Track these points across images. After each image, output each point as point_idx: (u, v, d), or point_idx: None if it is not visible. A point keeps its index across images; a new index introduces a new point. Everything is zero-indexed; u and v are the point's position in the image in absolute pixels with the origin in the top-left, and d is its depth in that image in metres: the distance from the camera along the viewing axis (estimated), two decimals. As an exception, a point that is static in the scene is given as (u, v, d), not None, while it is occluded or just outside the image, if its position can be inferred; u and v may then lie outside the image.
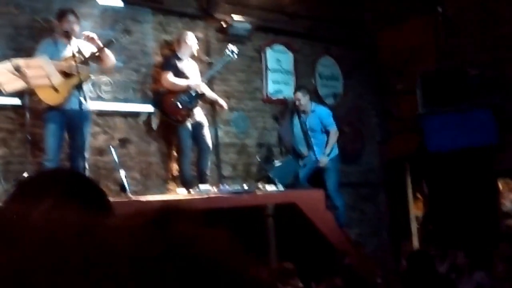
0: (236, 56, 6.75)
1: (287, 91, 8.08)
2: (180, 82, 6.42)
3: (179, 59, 6.54)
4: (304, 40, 8.42)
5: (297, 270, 5.07)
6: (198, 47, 6.75)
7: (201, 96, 6.49)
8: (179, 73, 6.46)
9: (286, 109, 7.85)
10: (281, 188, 6.53)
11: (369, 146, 8.94)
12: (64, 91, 5.34)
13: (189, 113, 6.39)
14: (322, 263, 5.83)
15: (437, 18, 8.42)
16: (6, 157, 5.72)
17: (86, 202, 1.13)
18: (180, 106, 6.35)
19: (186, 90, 6.39)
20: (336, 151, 7.48)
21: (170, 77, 6.43)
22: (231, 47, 6.73)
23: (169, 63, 6.55)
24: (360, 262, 6.24)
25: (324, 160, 7.32)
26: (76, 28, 5.61)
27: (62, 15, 5.60)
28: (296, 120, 7.68)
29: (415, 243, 8.29)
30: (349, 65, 8.86)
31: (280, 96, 8.01)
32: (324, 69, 8.70)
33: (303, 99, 7.45)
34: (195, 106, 6.45)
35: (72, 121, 5.43)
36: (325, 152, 7.35)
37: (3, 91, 5.15)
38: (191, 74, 6.53)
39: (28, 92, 5.21)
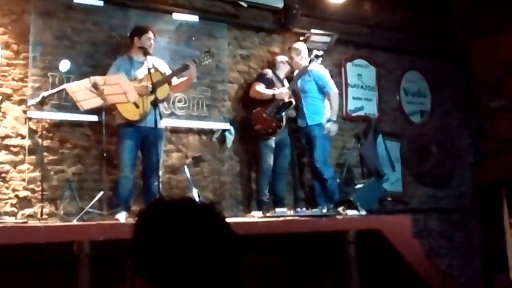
0: (320, 60, 6.81)
1: (369, 108, 8.06)
2: (267, 91, 6.61)
3: (276, 76, 6.79)
4: (388, 53, 8.38)
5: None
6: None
7: (289, 105, 6.64)
8: (271, 88, 6.69)
9: (368, 128, 7.82)
10: (363, 212, 6.48)
11: (460, 169, 8.74)
12: (142, 107, 5.58)
13: (280, 124, 6.57)
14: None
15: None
16: (81, 174, 6.01)
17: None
18: (270, 118, 6.55)
19: (274, 100, 6.56)
20: (327, 116, 6.85)
21: (258, 87, 6.65)
22: (315, 52, 6.82)
23: (264, 76, 6.75)
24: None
25: (332, 128, 6.75)
26: (153, 45, 5.87)
27: (142, 31, 5.85)
28: (379, 140, 7.63)
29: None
30: (438, 80, 8.73)
31: (362, 113, 7.99)
32: (410, 85, 8.62)
33: (296, 57, 6.86)
34: (284, 116, 6.61)
35: (147, 139, 5.64)
36: (330, 118, 6.75)
37: (80, 108, 5.43)
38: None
39: (105, 109, 5.45)
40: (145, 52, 5.62)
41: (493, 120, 8.57)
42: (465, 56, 8.92)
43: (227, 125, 6.82)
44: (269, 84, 6.70)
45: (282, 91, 6.60)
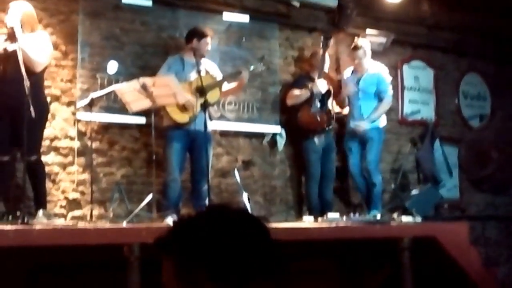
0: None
1: (426, 111, 7.95)
2: (301, 91, 6.60)
3: (310, 78, 6.70)
4: (447, 55, 8.27)
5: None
6: (329, 64, 6.85)
7: (329, 94, 6.65)
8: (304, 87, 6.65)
9: (425, 132, 7.72)
10: (418, 219, 6.40)
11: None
12: (191, 110, 5.64)
13: (328, 116, 6.60)
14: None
15: None
16: (130, 177, 6.11)
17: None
18: (317, 113, 6.55)
19: (313, 95, 6.55)
20: (385, 122, 6.89)
21: (293, 91, 6.66)
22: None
23: (299, 81, 6.73)
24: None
25: (362, 125, 6.67)
26: (204, 48, 5.92)
27: (202, 35, 5.89)
28: (437, 145, 7.52)
29: None
30: (499, 83, 8.56)
31: (418, 117, 7.89)
32: (470, 88, 8.48)
33: (363, 58, 6.80)
34: (328, 106, 6.64)
35: (196, 142, 5.71)
36: (370, 117, 6.70)
37: (129, 110, 5.51)
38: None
39: (154, 110, 5.49)
40: (201, 56, 5.73)
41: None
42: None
43: (278, 128, 6.83)
44: (301, 84, 6.68)
45: (317, 83, 6.56)
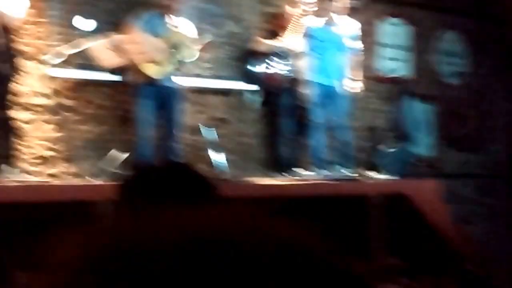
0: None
1: (403, 69, 7.98)
2: (270, 42, 6.55)
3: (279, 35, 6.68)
4: (425, 11, 8.24)
5: (405, 268, 5.08)
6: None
7: (292, 55, 6.54)
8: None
9: (401, 90, 7.76)
10: (392, 177, 6.50)
11: (496, 133, 8.66)
12: (164, 66, 5.64)
13: (282, 78, 6.50)
14: (434, 262, 5.77)
15: None
16: (102, 135, 6.13)
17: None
18: (272, 70, 6.50)
19: (276, 52, 6.50)
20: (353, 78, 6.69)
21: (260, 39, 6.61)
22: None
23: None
24: (479, 264, 6.11)
25: (356, 86, 6.58)
26: (178, 4, 5.88)
27: None
28: (413, 102, 7.58)
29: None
30: (477, 40, 8.58)
31: (395, 75, 7.92)
32: (447, 44, 8.49)
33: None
34: (289, 69, 6.54)
35: (167, 98, 5.73)
36: (354, 77, 6.56)
37: (102, 67, 5.54)
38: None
39: (127, 67, 5.52)
40: (174, 11, 5.71)
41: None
42: (506, 15, 8.71)
43: (252, 86, 6.81)
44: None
45: (282, 40, 6.51)
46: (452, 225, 6.52)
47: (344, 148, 6.59)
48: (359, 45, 6.79)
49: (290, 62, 6.52)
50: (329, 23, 6.60)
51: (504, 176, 8.56)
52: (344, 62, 6.59)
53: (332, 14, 6.59)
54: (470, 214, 7.82)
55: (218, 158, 5.77)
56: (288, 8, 6.58)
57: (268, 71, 6.54)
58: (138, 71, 5.71)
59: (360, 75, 6.75)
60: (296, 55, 6.52)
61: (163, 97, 5.75)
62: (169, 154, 5.74)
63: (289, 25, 6.53)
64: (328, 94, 6.50)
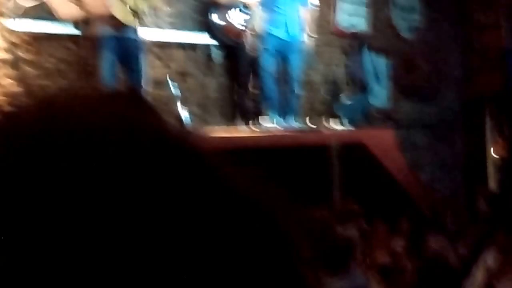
0: None
1: (358, 22, 8.10)
2: None
3: None
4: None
5: (363, 212, 5.27)
6: None
7: (251, 7, 6.59)
8: None
9: (357, 43, 7.89)
10: (348, 126, 6.67)
11: (447, 84, 8.92)
12: (126, 17, 5.57)
13: (241, 30, 6.57)
14: (390, 206, 6.01)
15: None
16: (66, 89, 6.07)
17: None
18: (232, 22, 6.56)
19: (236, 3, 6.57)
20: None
21: None
22: None
23: None
24: (430, 207, 6.38)
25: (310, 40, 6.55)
26: None
27: None
28: (367, 55, 7.72)
29: (492, 186, 8.25)
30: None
31: (352, 29, 8.03)
32: (403, 0, 8.61)
33: None
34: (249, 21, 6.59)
35: (128, 51, 5.69)
36: (307, 31, 6.48)
37: (59, 18, 5.48)
38: None
39: (87, 20, 5.47)
40: None
41: (482, 36, 8.64)
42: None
43: (214, 39, 6.83)
44: None
45: None
46: (407, 172, 6.79)
47: (293, 100, 6.63)
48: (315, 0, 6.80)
49: (250, 15, 6.57)
50: None
51: (454, 124, 8.85)
52: (300, 16, 6.56)
53: None
54: (423, 161, 8.09)
55: (182, 112, 5.82)
56: None
57: (228, 23, 6.58)
58: (97, 23, 5.62)
59: (314, 29, 6.79)
60: (254, 8, 6.55)
61: (125, 49, 5.70)
62: None
63: None
64: (284, 47, 6.49)
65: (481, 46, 8.63)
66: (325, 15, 7.81)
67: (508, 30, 8.01)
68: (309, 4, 6.64)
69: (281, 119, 6.34)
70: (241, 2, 6.54)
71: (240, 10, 6.57)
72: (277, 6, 6.44)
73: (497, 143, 8.60)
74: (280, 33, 6.43)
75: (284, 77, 6.59)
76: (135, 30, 5.53)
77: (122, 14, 5.59)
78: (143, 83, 5.73)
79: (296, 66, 6.56)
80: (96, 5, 5.35)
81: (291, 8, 6.47)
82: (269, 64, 6.42)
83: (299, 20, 6.51)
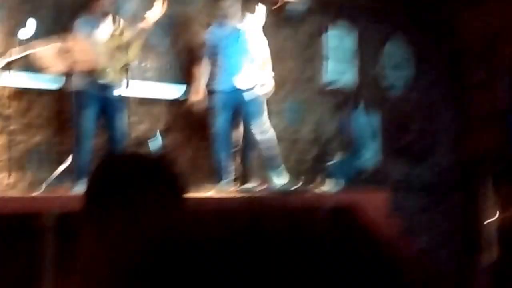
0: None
1: (348, 79, 7.98)
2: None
3: None
4: (370, 21, 8.25)
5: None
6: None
7: None
8: None
9: (347, 99, 7.73)
10: (338, 188, 6.45)
11: (441, 144, 8.75)
12: (110, 72, 5.57)
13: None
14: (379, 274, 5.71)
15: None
16: (46, 144, 5.97)
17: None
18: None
19: None
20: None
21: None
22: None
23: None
24: (426, 275, 6.08)
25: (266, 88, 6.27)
26: (113, 6, 5.79)
27: None
28: (359, 111, 7.55)
29: (492, 252, 8.02)
30: (422, 50, 8.68)
31: (340, 85, 7.90)
32: (392, 55, 8.55)
33: (230, 7, 6.19)
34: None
35: (110, 107, 5.65)
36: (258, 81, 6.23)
37: (47, 74, 5.49)
38: None
39: (71, 74, 5.49)
40: (106, 14, 5.65)
41: (477, 93, 8.51)
42: (451, 25, 8.83)
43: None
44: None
45: None
46: (400, 237, 6.49)
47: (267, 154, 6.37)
48: (263, 44, 6.40)
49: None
50: (225, 24, 6.24)
51: (448, 186, 8.63)
52: (248, 67, 6.26)
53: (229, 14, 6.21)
54: (415, 225, 7.83)
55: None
56: None
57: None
58: (84, 77, 5.57)
59: (268, 75, 6.47)
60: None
61: (105, 105, 5.65)
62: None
63: None
64: (235, 102, 6.22)
65: (475, 105, 8.49)
66: (313, 72, 7.68)
67: (503, 90, 7.87)
68: (255, 54, 6.30)
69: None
70: None
71: None
72: (222, 59, 6.23)
73: (494, 206, 8.38)
74: (227, 87, 6.18)
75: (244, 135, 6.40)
76: (119, 86, 5.53)
77: (106, 67, 5.54)
78: (123, 140, 5.67)
79: (252, 119, 6.26)
80: (84, 60, 5.34)
81: (235, 56, 6.21)
82: (218, 124, 6.18)
83: (248, 72, 6.21)
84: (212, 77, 6.31)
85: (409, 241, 6.81)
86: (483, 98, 8.42)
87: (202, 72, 6.32)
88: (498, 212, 8.28)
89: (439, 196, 8.55)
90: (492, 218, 8.36)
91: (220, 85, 6.21)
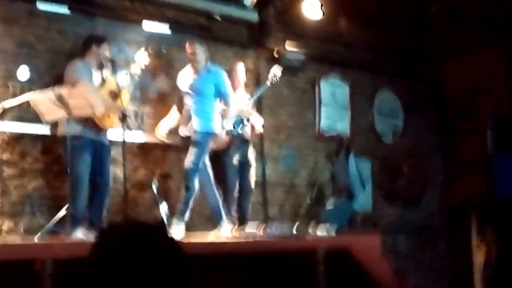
0: (277, 79, 6.61)
1: (341, 127, 8.07)
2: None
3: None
4: (362, 72, 8.36)
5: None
6: (245, 78, 6.75)
7: (246, 122, 6.43)
8: None
9: (340, 147, 7.83)
10: (333, 232, 6.49)
11: (430, 190, 8.75)
12: (110, 117, 5.43)
13: (232, 141, 6.34)
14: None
15: (509, 51, 8.33)
16: (42, 189, 5.80)
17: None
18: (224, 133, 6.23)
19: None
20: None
21: None
22: (275, 69, 6.64)
23: None
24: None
25: (222, 136, 6.12)
26: (107, 53, 5.67)
27: (102, 41, 5.64)
28: (351, 159, 7.66)
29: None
30: (410, 100, 8.77)
31: (334, 133, 7.97)
32: (383, 104, 8.64)
33: (199, 53, 6.01)
34: (241, 133, 6.40)
35: (101, 153, 5.51)
36: (227, 125, 6.10)
37: (43, 120, 5.25)
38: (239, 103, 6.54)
39: (68, 121, 5.28)
40: (103, 61, 5.55)
41: (463, 142, 8.66)
42: (438, 77, 8.99)
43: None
44: None
45: (242, 108, 6.48)
46: (392, 278, 6.54)
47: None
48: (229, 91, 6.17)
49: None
50: (197, 72, 6.09)
51: (438, 230, 8.71)
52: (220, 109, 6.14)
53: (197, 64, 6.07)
54: (406, 267, 7.87)
55: (163, 213, 5.64)
56: None
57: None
58: (80, 123, 5.40)
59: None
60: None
61: (98, 150, 5.49)
62: (98, 212, 5.47)
63: None
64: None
65: (464, 152, 8.59)
66: (309, 119, 7.82)
67: (490, 137, 8.03)
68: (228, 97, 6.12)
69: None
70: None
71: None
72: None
73: (481, 249, 8.46)
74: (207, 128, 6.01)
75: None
76: (112, 133, 5.42)
77: (107, 113, 5.38)
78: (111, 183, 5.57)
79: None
80: (82, 108, 5.11)
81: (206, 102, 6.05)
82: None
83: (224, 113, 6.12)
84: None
85: (400, 282, 6.86)
86: (469, 146, 8.53)
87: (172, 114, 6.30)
88: (483, 253, 8.39)
89: (428, 238, 8.57)
90: (478, 259, 8.46)
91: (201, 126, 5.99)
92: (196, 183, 5.88)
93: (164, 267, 1.40)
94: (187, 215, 5.83)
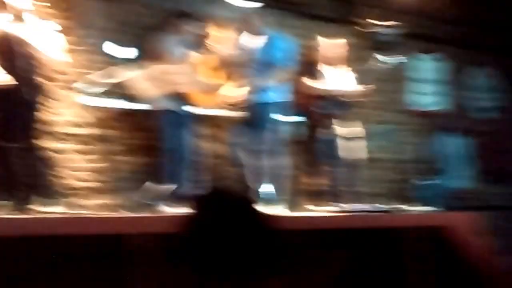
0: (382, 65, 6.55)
1: (440, 103, 7.81)
2: (320, 86, 6.36)
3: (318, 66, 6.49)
4: (458, 48, 8.05)
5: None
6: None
7: (343, 104, 6.40)
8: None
9: (438, 123, 7.64)
10: (426, 209, 6.38)
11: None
12: (211, 96, 5.52)
13: (329, 120, 6.33)
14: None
15: None
16: (136, 165, 5.90)
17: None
18: (320, 112, 6.25)
19: (327, 96, 6.34)
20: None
21: (307, 81, 6.34)
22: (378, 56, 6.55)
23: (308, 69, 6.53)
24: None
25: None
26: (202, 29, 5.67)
27: (192, 18, 5.66)
28: (448, 136, 7.48)
29: None
30: (509, 75, 8.42)
31: (429, 109, 7.75)
32: (480, 80, 8.34)
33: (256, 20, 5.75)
34: (337, 113, 6.39)
35: (192, 128, 5.54)
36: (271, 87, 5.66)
37: (143, 97, 5.38)
38: (335, 81, 6.45)
39: (167, 97, 5.37)
40: (195, 35, 5.53)
41: None
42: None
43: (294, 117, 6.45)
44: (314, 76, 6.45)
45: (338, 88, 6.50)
46: (488, 258, 6.33)
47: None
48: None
49: None
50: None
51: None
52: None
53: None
54: (508, 245, 7.60)
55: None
56: None
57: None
58: (176, 99, 5.48)
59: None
60: None
61: (190, 125, 5.54)
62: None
63: None
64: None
65: None
66: (404, 96, 7.66)
67: None
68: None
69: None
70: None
71: None
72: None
73: None
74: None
75: None
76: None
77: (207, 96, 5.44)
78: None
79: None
80: (182, 85, 5.19)
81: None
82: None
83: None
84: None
85: (498, 261, 6.60)
86: None
87: None
88: None
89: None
90: None
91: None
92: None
93: (257, 239, 1.46)
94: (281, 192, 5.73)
